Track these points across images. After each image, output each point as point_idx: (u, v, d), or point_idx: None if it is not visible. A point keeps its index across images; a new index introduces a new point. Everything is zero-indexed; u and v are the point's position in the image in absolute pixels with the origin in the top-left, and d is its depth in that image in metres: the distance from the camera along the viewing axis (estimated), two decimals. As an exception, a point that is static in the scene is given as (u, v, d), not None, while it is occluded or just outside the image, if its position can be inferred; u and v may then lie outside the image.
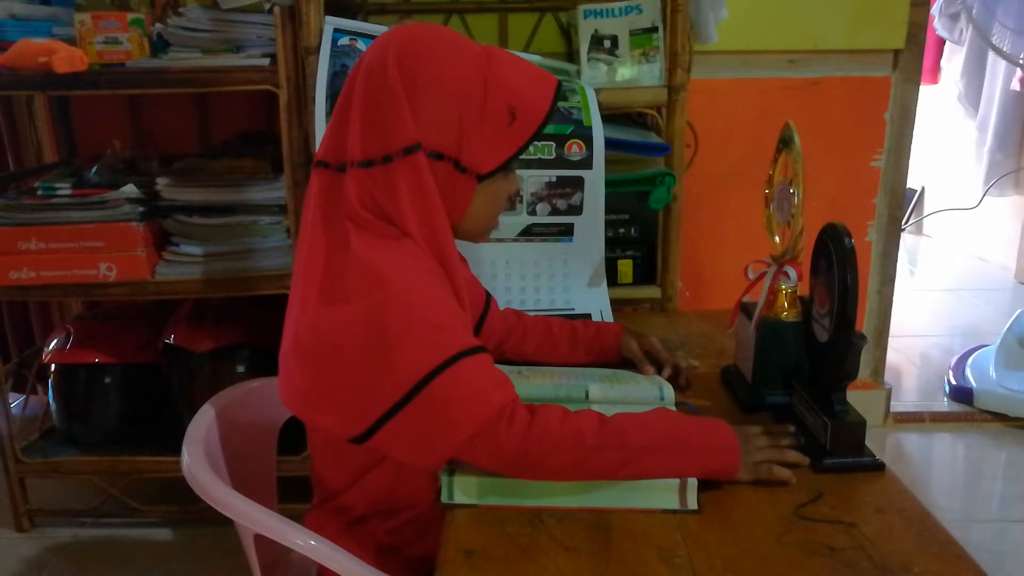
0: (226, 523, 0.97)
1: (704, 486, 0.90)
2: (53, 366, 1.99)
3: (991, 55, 3.78)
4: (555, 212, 1.53)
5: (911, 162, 2.31)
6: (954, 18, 3.83)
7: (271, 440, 1.26)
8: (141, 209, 1.77)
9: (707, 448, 0.91)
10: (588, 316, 1.51)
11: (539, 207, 1.53)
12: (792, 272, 1.07)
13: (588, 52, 1.73)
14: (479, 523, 0.87)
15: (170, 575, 1.86)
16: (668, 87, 1.69)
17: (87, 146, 2.27)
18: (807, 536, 0.83)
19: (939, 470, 2.39)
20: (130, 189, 1.76)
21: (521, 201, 1.52)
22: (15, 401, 2.21)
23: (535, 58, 1.72)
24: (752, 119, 2.22)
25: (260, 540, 0.96)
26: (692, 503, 0.89)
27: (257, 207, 1.80)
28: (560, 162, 1.51)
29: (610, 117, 1.64)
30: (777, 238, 1.12)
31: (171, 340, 1.90)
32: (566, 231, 1.55)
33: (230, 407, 1.16)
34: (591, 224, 1.54)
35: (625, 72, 1.73)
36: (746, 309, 1.16)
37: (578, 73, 1.75)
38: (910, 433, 2.49)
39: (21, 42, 1.67)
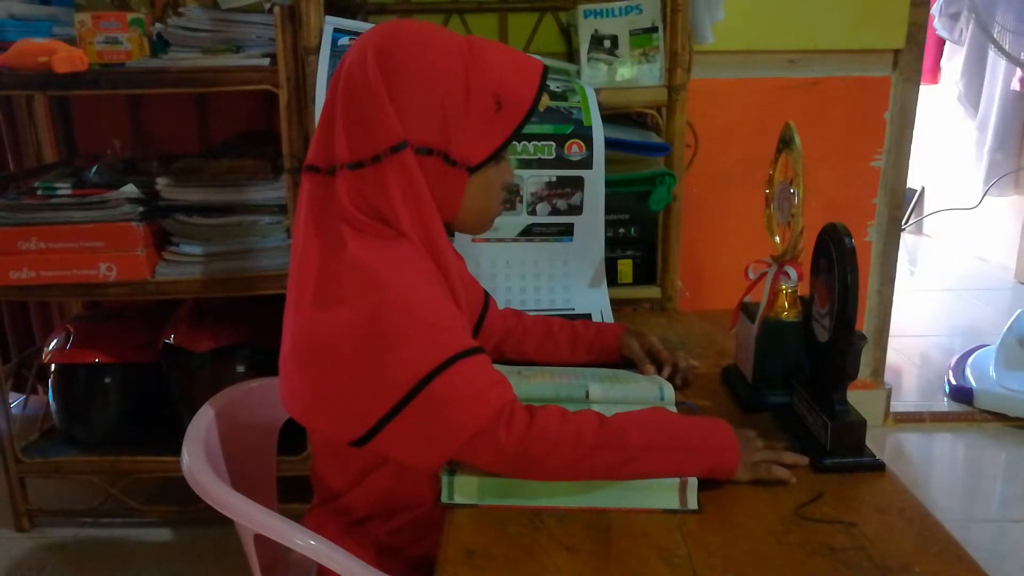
0: (226, 523, 0.97)
1: (704, 486, 0.90)
2: (53, 366, 1.99)
3: (991, 55, 3.78)
4: (555, 212, 1.53)
5: (911, 162, 2.31)
6: (954, 18, 3.83)
7: (271, 440, 1.26)
8: (141, 209, 1.77)
9: (706, 446, 0.91)
10: (588, 316, 1.51)
11: (539, 207, 1.53)
12: (792, 272, 1.07)
13: (588, 52, 1.73)
14: (479, 523, 0.87)
15: (170, 575, 1.86)
16: (668, 87, 1.69)
17: (87, 146, 2.27)
18: (807, 536, 0.83)
19: (939, 470, 2.39)
20: (130, 189, 1.76)
21: (521, 201, 1.52)
22: (15, 401, 2.21)
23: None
24: (752, 119, 2.22)
25: (260, 540, 0.96)
26: (692, 503, 0.89)
27: (257, 207, 1.80)
28: (560, 162, 1.51)
29: (610, 117, 1.64)
30: (777, 238, 1.12)
31: (171, 340, 1.90)
32: (566, 231, 1.55)
33: (230, 407, 1.15)
34: (591, 224, 1.54)
35: (625, 72, 1.73)
36: (746, 309, 1.16)
37: (578, 73, 1.75)
38: (910, 433, 2.49)
39: (21, 42, 1.67)
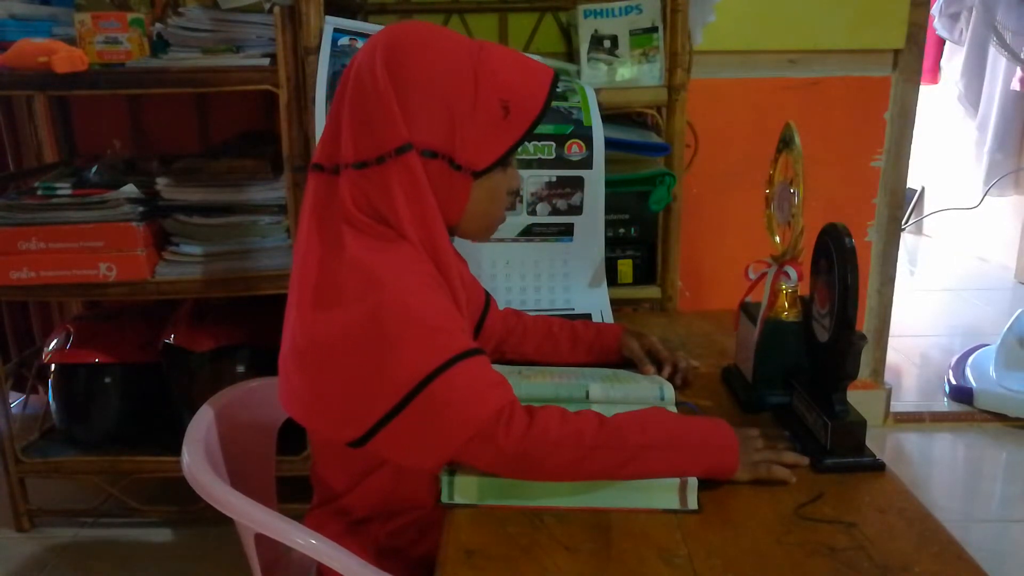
0: (226, 523, 0.97)
1: (704, 486, 0.90)
2: (53, 366, 1.99)
3: (991, 55, 3.78)
4: (555, 212, 1.53)
5: (911, 162, 2.31)
6: (954, 18, 3.83)
7: (271, 440, 1.26)
8: (141, 209, 1.77)
9: (706, 445, 0.91)
10: (588, 316, 1.51)
11: (539, 207, 1.53)
12: (792, 272, 1.07)
13: (588, 52, 1.73)
14: (479, 523, 0.87)
15: (170, 575, 1.86)
16: (668, 87, 1.69)
17: (87, 146, 2.27)
18: (807, 536, 0.83)
19: (939, 470, 2.39)
20: (130, 189, 1.76)
21: (521, 201, 1.52)
22: (15, 401, 2.21)
23: (535, 58, 1.72)
24: (752, 119, 2.22)
25: (260, 540, 0.96)
26: (692, 503, 0.89)
27: (257, 207, 1.80)
28: (560, 162, 1.51)
29: (610, 117, 1.64)
30: (777, 238, 1.12)
31: (171, 340, 1.90)
32: (566, 231, 1.55)
33: (230, 407, 1.16)
34: (591, 224, 1.54)
35: (625, 72, 1.73)
36: (746, 309, 1.16)
37: (578, 73, 1.75)
38: (910, 433, 2.49)
39: (21, 42, 1.67)
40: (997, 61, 3.77)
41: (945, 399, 2.68)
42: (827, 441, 0.96)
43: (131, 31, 1.68)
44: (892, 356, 2.57)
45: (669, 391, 1.12)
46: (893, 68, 2.23)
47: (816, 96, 2.23)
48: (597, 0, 1.74)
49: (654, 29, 1.71)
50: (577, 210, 1.53)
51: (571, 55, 1.97)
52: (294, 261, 0.95)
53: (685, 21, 1.67)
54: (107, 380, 1.98)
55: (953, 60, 4.08)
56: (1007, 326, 2.74)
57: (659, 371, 1.18)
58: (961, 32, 3.86)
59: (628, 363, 1.22)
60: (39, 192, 1.79)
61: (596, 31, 1.73)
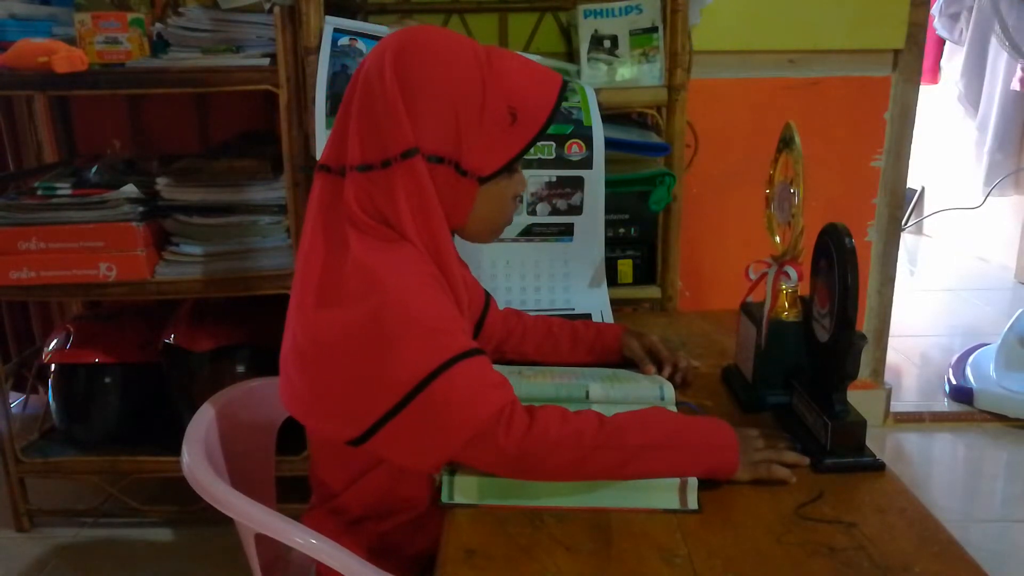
0: (226, 523, 0.97)
1: (704, 486, 0.90)
2: (53, 366, 1.99)
3: (991, 55, 3.78)
4: (555, 212, 1.53)
5: (911, 162, 2.31)
6: (954, 18, 3.83)
7: (270, 440, 1.26)
8: (141, 209, 1.77)
9: (706, 445, 0.92)
10: (588, 316, 1.51)
11: (539, 207, 1.53)
12: (792, 272, 1.07)
13: (588, 52, 1.73)
14: (479, 523, 0.87)
15: (170, 575, 1.86)
16: (668, 87, 1.69)
17: (87, 146, 2.27)
18: (807, 536, 0.83)
19: (939, 470, 2.39)
20: (130, 189, 1.76)
21: (521, 201, 1.52)
22: (15, 401, 2.21)
23: (535, 58, 1.72)
24: (752, 119, 2.22)
25: (260, 539, 0.96)
26: (692, 503, 0.89)
27: (257, 207, 1.80)
28: (560, 162, 1.51)
29: (610, 117, 1.64)
30: (777, 238, 1.12)
31: (171, 340, 1.90)
32: (566, 231, 1.55)
33: (230, 407, 1.16)
34: (591, 224, 1.54)
35: (625, 72, 1.73)
36: (747, 309, 1.16)
37: (578, 73, 1.75)
38: (910, 433, 2.49)
39: (21, 42, 1.67)
40: (997, 61, 3.77)
41: (945, 399, 2.68)
42: (827, 441, 0.96)
43: (131, 31, 1.68)
44: (892, 356, 2.57)
45: (669, 391, 1.12)
46: (893, 68, 2.23)
47: (816, 96, 2.23)
48: (597, 0, 1.74)
49: (654, 29, 1.71)
50: (577, 210, 1.53)
51: (571, 55, 1.97)
52: (298, 260, 0.96)
53: (685, 21, 1.67)
54: (107, 380, 1.98)
55: (953, 60, 4.08)
56: (1007, 326, 2.74)
57: (659, 371, 1.18)
58: (961, 32, 3.86)
59: (628, 363, 1.22)
60: (39, 192, 1.79)
61: (596, 31, 1.73)
